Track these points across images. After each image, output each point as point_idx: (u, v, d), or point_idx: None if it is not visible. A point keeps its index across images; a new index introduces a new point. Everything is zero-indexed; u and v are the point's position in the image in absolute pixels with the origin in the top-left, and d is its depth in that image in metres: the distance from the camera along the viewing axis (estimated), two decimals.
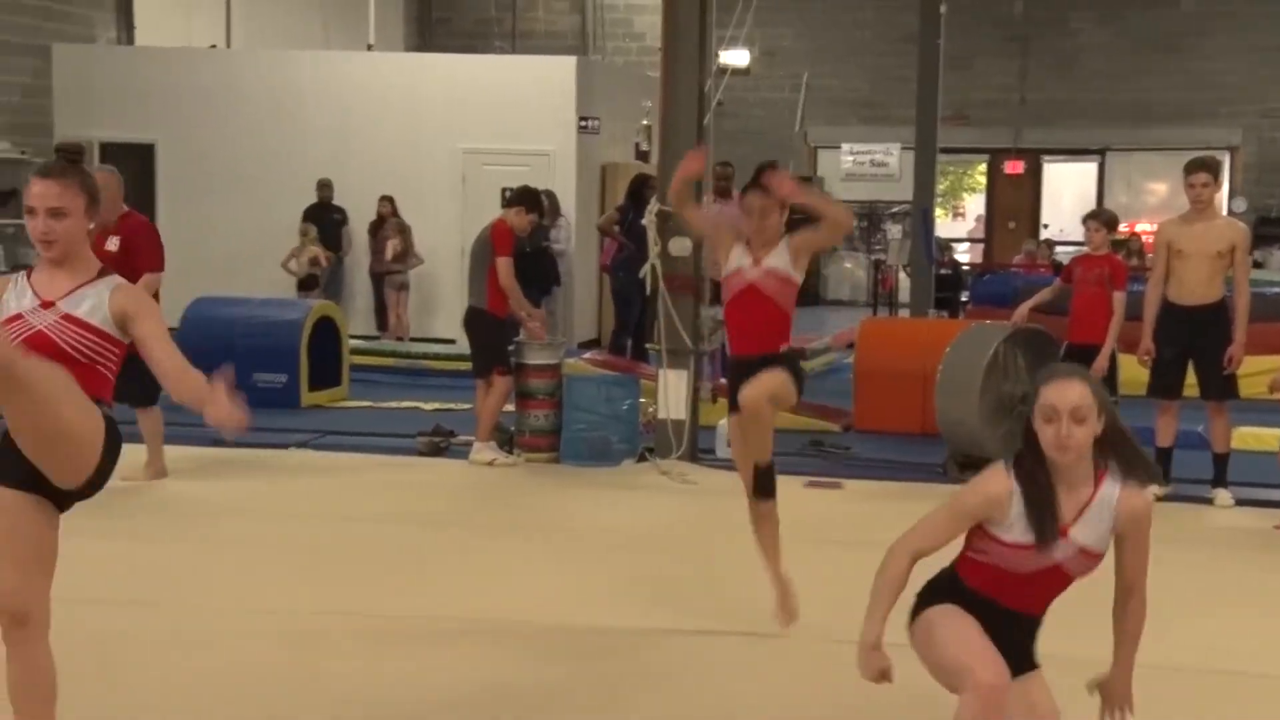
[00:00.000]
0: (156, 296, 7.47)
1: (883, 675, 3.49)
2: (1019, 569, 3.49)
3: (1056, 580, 3.54)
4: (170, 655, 5.02)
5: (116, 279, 3.73)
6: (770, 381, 5.03)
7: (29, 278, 3.72)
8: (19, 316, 3.62)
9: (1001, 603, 3.55)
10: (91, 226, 3.73)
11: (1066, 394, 3.39)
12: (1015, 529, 3.46)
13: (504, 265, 8.69)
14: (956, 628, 3.52)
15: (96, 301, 3.64)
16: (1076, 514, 3.46)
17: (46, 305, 3.63)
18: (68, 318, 3.61)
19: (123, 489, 7.71)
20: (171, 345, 3.66)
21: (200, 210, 16.07)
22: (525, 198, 9.06)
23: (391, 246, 15.09)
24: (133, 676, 4.78)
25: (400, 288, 15.21)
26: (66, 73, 16.19)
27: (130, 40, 17.38)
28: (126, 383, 7.70)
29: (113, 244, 7.67)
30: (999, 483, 3.48)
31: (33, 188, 3.63)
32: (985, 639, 3.49)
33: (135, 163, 16.46)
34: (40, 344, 3.54)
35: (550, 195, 13.44)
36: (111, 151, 16.36)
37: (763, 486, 5.22)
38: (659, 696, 4.72)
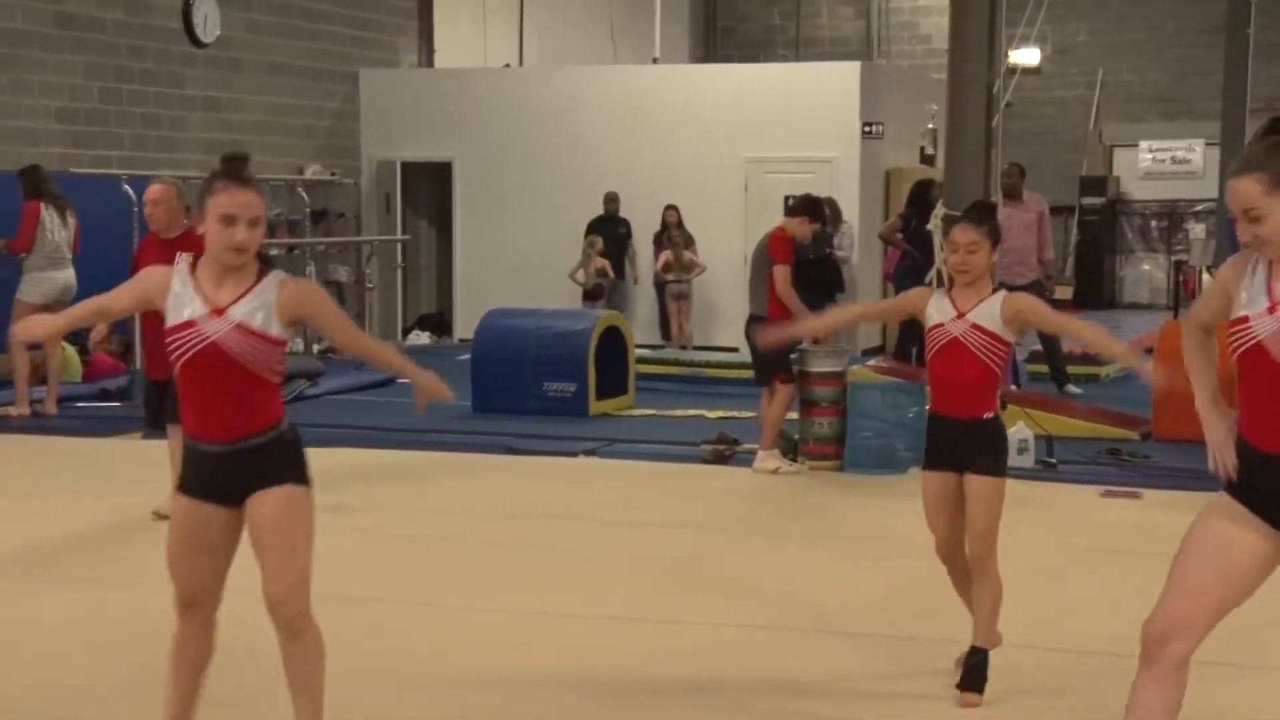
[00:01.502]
0: None
1: (1228, 437, 3.43)
2: (1263, 341, 3.29)
3: None
4: (455, 656, 5.18)
5: (279, 276, 3.73)
6: (991, 516, 4.59)
7: (193, 275, 3.67)
8: (191, 324, 3.62)
9: (1260, 447, 3.33)
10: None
11: (1237, 193, 3.31)
12: (1251, 292, 3.36)
13: (781, 274, 8.65)
14: (1183, 559, 3.39)
15: (264, 306, 3.64)
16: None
17: (217, 313, 3.62)
18: (241, 328, 3.62)
19: (412, 497, 8.03)
20: (347, 323, 3.88)
21: (494, 224, 16.62)
22: (808, 206, 9.00)
23: (663, 258, 15.23)
24: (416, 676, 4.95)
25: (678, 297, 15.29)
26: (372, 96, 16.99)
27: (430, 63, 18.12)
28: (171, 398, 7.27)
29: None
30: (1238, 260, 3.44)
31: (234, 196, 3.59)
32: (1200, 582, 3.34)
33: (434, 180, 17.22)
34: (215, 356, 3.60)
35: (832, 203, 13.34)
36: (412, 170, 17.12)
37: (972, 676, 4.62)
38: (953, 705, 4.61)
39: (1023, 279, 11.43)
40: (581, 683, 4.87)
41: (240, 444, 3.65)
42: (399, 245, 16.65)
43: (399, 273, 16.79)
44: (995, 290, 4.69)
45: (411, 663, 5.07)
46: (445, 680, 4.88)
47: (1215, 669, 4.71)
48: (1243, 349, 3.30)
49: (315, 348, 14.74)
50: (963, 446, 4.63)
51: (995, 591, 4.67)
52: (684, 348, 14.84)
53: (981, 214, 4.80)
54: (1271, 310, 3.24)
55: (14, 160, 11.91)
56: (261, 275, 3.69)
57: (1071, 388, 11.67)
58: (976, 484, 4.60)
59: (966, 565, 4.72)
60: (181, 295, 3.65)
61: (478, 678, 4.91)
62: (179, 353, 3.64)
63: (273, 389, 3.70)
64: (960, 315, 4.62)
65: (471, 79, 17.19)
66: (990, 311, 4.61)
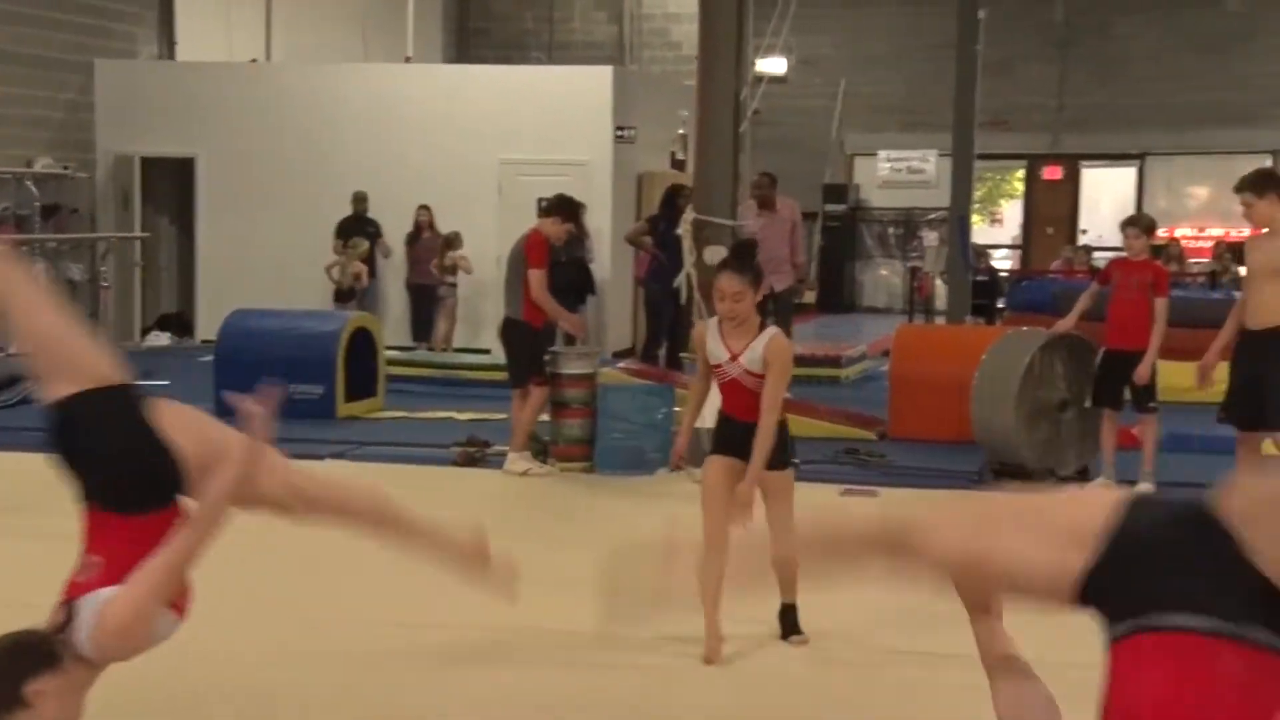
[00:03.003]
0: None
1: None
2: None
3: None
4: (197, 668, 5.03)
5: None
6: (789, 508, 5.14)
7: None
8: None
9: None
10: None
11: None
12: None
13: (536, 278, 8.69)
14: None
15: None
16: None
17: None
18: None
19: None
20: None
21: (240, 223, 16.19)
22: (561, 207, 9.05)
23: (435, 260, 15.10)
24: (165, 691, 4.79)
25: (446, 299, 15.20)
26: (109, 88, 16.34)
27: (171, 55, 17.54)
28: None
29: None
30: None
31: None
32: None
33: (176, 176, 16.66)
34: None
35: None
36: (153, 165, 16.53)
37: (790, 623, 5.34)
38: (682, 702, 4.69)
39: (780, 284, 11.71)
40: (332, 691, 4.78)
41: None
42: (137, 243, 16.06)
43: (137, 271, 16.19)
44: (763, 327, 5.19)
45: (151, 675, 4.90)
46: (194, 693, 4.74)
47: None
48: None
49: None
50: (749, 444, 5.12)
51: (795, 561, 5.07)
52: (433, 349, 14.73)
53: (744, 262, 5.27)
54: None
55: None
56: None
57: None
58: (771, 480, 5.15)
59: (726, 552, 4.98)
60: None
61: (227, 690, 4.77)
62: None
63: None
64: (734, 358, 5.17)
65: (215, 73, 16.71)
66: (755, 355, 5.12)
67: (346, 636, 5.43)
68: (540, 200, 15.59)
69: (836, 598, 5.45)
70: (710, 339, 5.22)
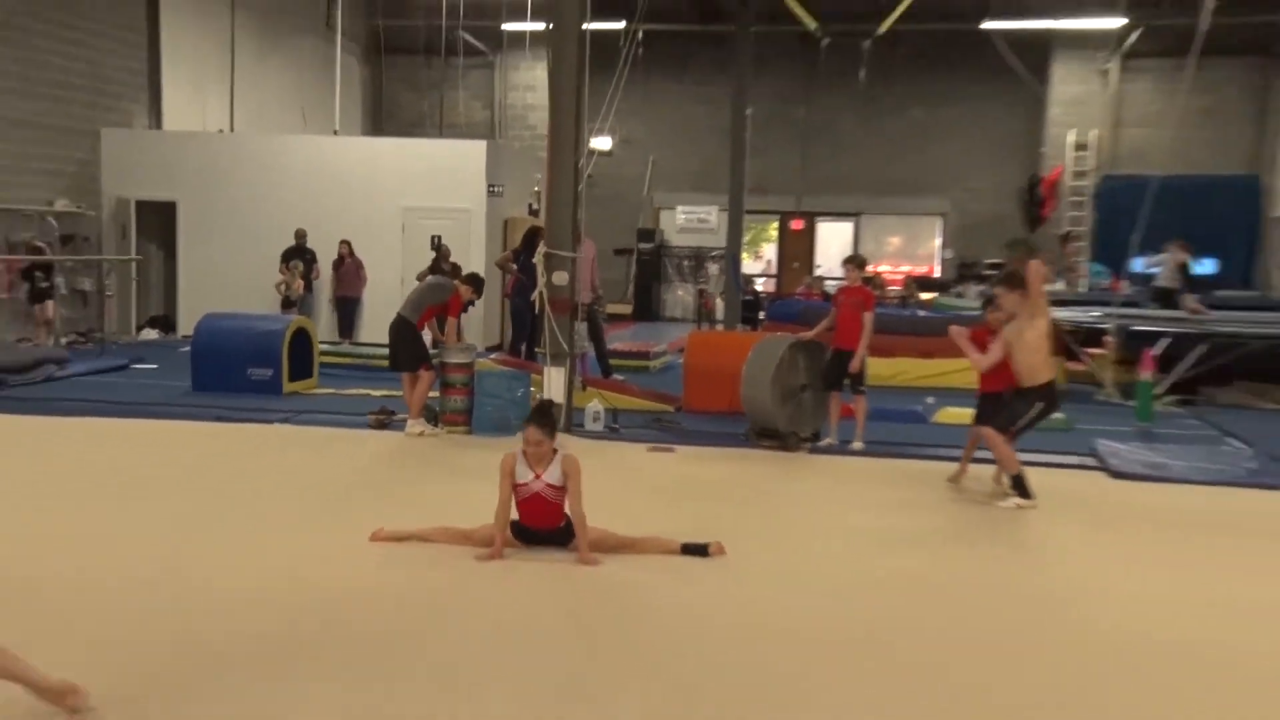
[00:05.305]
0: None
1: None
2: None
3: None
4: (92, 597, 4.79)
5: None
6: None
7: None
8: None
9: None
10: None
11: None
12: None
13: (452, 325, 8.81)
14: None
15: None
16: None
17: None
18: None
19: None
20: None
21: (209, 250, 15.62)
22: (473, 281, 9.19)
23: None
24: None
25: None
26: (112, 148, 15.59)
27: (159, 125, 16.78)
28: None
29: None
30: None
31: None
32: None
33: (162, 216, 15.97)
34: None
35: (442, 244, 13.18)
36: (145, 207, 15.83)
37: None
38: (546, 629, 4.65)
39: (585, 300, 11.63)
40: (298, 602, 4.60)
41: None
42: (133, 264, 15.37)
43: (133, 285, 15.52)
44: (554, 451, 5.12)
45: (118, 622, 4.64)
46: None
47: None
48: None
49: (63, 340, 13.40)
50: (548, 541, 5.14)
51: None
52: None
53: (545, 418, 5.13)
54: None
55: None
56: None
57: (617, 376, 11.77)
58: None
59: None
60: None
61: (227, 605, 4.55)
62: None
63: None
64: (537, 477, 5.11)
65: (191, 139, 16.05)
66: (554, 472, 5.08)
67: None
68: (434, 237, 15.39)
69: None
70: (518, 466, 5.08)
